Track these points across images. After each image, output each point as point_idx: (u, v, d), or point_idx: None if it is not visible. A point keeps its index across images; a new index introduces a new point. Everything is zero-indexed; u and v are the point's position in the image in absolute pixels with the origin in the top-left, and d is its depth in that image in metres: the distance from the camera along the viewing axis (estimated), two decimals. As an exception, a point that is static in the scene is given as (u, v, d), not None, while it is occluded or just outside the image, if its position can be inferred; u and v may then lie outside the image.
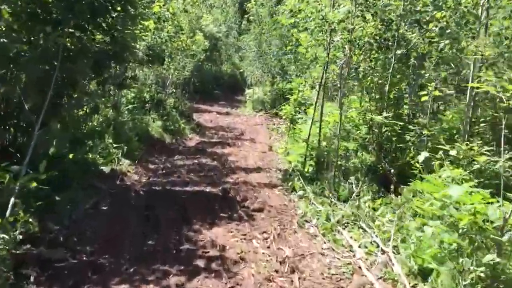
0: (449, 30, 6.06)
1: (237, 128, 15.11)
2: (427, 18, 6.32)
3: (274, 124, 16.88)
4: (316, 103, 7.35)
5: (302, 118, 10.43)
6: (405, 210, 5.14)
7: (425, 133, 6.19)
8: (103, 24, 5.70)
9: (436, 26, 6.08)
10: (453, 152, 5.12)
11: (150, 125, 10.93)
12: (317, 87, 7.64)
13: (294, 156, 8.07)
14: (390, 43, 6.26)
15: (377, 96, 6.76)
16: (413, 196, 5.18)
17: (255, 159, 9.98)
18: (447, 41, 6.05)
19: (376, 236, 4.97)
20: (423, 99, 6.11)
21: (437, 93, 6.13)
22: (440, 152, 5.21)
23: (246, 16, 31.74)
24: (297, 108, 10.75)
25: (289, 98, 20.66)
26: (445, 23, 5.99)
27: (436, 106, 7.84)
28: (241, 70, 26.03)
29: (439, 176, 4.77)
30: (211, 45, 19.46)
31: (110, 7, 5.66)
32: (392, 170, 6.34)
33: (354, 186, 6.13)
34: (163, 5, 8.05)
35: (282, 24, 12.18)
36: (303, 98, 10.79)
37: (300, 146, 8.21)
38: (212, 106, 20.40)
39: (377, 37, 6.17)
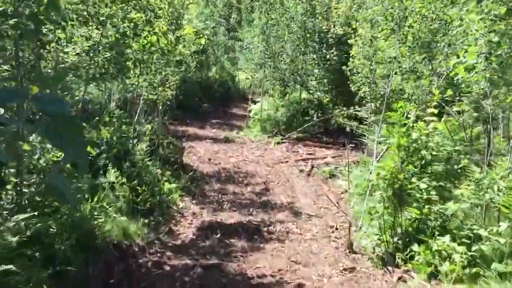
0: None
1: (253, 172, 9.39)
2: None
3: (304, 159, 11.17)
4: None
5: (428, 191, 4.81)
6: None
7: None
8: None
9: None
10: None
11: (101, 213, 5.14)
12: None
13: None
14: None
15: None
16: None
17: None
18: None
19: None
20: None
21: None
22: None
23: (234, 7, 25.99)
24: (407, 162, 5.13)
25: (331, 122, 14.13)
26: None
27: None
28: (235, 76, 20.14)
29: None
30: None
31: None
32: None
33: None
34: None
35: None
36: (416, 141, 5.17)
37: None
38: (204, 129, 14.48)
39: None
